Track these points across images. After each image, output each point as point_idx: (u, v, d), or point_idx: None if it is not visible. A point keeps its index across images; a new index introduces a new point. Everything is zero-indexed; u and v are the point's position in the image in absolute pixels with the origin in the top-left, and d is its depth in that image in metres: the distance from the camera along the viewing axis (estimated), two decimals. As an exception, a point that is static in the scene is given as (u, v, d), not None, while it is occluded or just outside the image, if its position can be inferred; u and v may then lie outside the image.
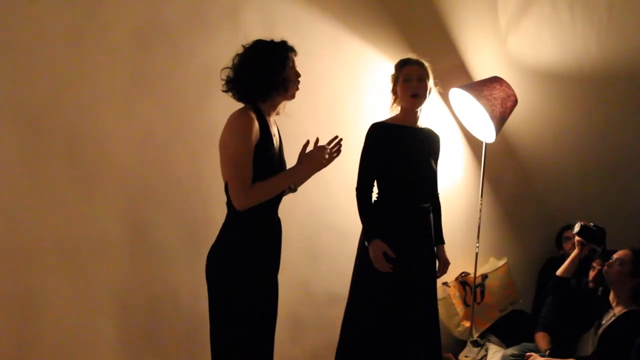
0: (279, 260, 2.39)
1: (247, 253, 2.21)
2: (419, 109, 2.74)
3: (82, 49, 2.71)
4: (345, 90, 3.36)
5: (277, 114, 2.35)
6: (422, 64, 2.72)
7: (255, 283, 2.23)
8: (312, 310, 3.34)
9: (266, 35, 2.30)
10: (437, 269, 2.88)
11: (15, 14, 2.57)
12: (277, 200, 2.34)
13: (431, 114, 3.70)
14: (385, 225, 2.67)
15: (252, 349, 2.26)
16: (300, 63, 3.12)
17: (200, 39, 2.92)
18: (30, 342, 2.69)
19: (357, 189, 2.73)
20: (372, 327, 2.68)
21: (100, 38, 2.75)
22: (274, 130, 2.32)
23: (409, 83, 2.67)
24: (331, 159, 2.35)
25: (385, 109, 3.49)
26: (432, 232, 2.83)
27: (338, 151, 2.36)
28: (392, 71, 2.81)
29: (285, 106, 2.35)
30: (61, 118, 2.69)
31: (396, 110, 2.79)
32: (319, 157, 2.29)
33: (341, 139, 2.36)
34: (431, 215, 2.83)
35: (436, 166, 2.84)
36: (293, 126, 2.91)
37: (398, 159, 2.69)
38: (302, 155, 2.33)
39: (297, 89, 2.32)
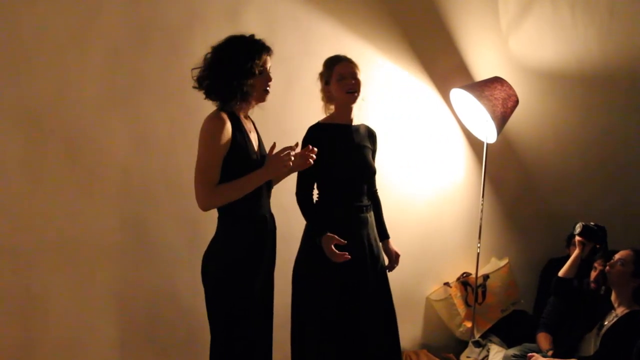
0: (274, 258, 2.40)
1: (237, 253, 2.23)
2: (353, 106, 2.70)
3: (83, 50, 2.71)
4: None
5: (252, 107, 2.35)
6: (351, 61, 2.67)
7: (248, 282, 2.25)
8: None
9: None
10: (387, 264, 2.84)
11: (17, 15, 2.57)
12: (266, 197, 2.36)
13: (432, 114, 3.72)
14: (329, 227, 2.60)
15: (251, 347, 2.27)
16: (300, 63, 3.14)
17: (200, 39, 2.90)
18: (31, 342, 2.70)
19: (298, 194, 2.66)
20: (326, 341, 2.62)
21: (102, 39, 2.75)
22: (248, 127, 2.31)
23: (344, 81, 2.62)
24: (303, 164, 2.36)
25: (385, 108, 3.50)
26: (375, 229, 2.79)
27: (307, 158, 2.36)
28: (325, 70, 2.71)
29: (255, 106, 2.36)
30: (63, 118, 2.70)
31: (330, 110, 2.74)
32: (282, 160, 2.25)
33: (313, 149, 2.37)
34: (372, 212, 2.79)
35: (374, 162, 2.81)
36: (293, 126, 2.91)
37: (338, 158, 2.64)
38: (268, 158, 2.30)
39: (267, 93, 2.30)
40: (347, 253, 2.53)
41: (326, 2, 3.27)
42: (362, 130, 2.77)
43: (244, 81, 2.19)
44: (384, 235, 2.87)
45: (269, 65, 2.27)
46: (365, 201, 2.73)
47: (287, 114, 2.99)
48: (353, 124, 2.72)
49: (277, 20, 3.13)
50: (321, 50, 3.00)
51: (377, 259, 2.75)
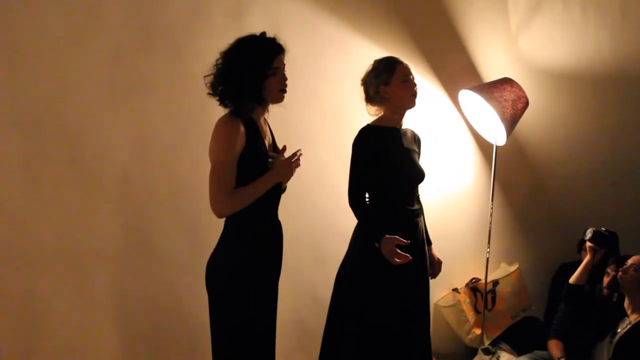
0: (279, 265, 2.37)
1: (244, 258, 2.19)
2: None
3: (84, 50, 2.69)
4: (352, 92, 3.31)
5: (267, 110, 2.30)
6: None
7: (253, 289, 2.22)
8: (319, 318, 3.29)
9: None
10: (429, 270, 2.83)
11: (17, 16, 2.55)
12: (274, 203, 2.31)
13: (440, 116, 3.68)
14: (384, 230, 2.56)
15: (254, 356, 2.24)
16: (307, 64, 3.11)
17: (204, 40, 2.90)
18: (32, 347, 2.68)
19: (351, 199, 2.60)
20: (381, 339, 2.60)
21: (103, 39, 2.73)
22: (265, 130, 2.28)
23: (409, 83, 2.58)
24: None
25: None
26: (424, 235, 2.77)
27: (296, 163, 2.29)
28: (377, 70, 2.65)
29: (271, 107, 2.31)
30: (63, 120, 2.68)
31: (377, 112, 2.68)
32: (291, 164, 2.23)
33: (301, 154, 2.29)
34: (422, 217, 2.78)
35: None
36: (299, 128, 2.87)
37: (392, 162, 2.59)
38: (278, 161, 2.24)
39: (283, 93, 2.22)
40: (408, 255, 2.46)
41: (332, 2, 3.24)
42: (409, 134, 2.74)
43: (257, 84, 2.13)
44: (427, 240, 2.83)
45: (282, 64, 2.20)
46: (416, 205, 2.70)
47: (290, 115, 2.95)
48: (402, 127, 2.69)
49: (281, 20, 3.10)
50: (326, 51, 2.98)
51: (427, 266, 2.73)
